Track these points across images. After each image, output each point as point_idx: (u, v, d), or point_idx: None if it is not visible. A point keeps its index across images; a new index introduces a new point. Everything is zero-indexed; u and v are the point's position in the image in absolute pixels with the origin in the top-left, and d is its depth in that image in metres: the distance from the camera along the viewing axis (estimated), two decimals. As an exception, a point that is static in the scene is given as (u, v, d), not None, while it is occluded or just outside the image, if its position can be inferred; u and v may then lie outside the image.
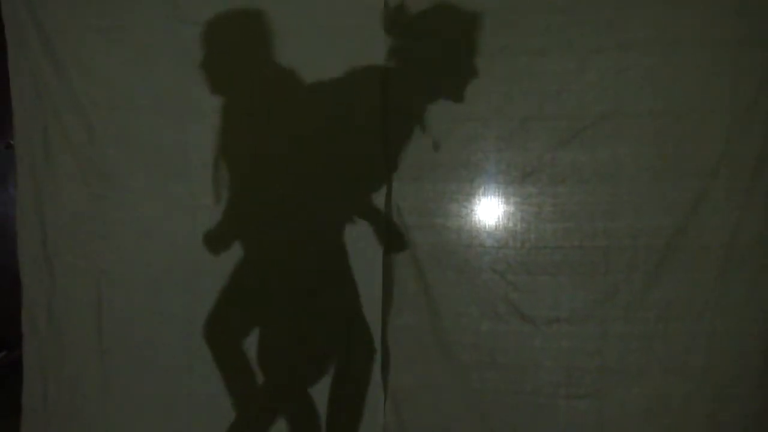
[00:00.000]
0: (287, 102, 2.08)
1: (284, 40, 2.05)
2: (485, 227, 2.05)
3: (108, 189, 2.17)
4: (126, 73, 2.12)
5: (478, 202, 2.05)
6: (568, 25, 1.94)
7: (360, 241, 2.07)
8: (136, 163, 2.15)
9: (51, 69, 2.14)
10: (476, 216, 2.05)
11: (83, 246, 2.21)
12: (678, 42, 1.90)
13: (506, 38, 1.97)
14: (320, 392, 2.12)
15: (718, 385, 1.97)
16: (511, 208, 2.03)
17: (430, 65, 2.02)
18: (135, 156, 2.15)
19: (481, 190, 2.04)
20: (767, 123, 1.89)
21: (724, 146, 1.91)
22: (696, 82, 1.90)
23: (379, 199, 2.05)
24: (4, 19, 2.15)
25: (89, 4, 2.12)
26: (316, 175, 2.08)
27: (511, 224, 2.04)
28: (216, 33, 2.07)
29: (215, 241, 2.11)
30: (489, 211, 2.04)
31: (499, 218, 2.04)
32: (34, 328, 2.26)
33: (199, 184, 2.12)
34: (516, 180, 2.02)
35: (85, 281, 2.21)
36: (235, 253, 2.12)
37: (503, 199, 2.04)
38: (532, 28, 1.96)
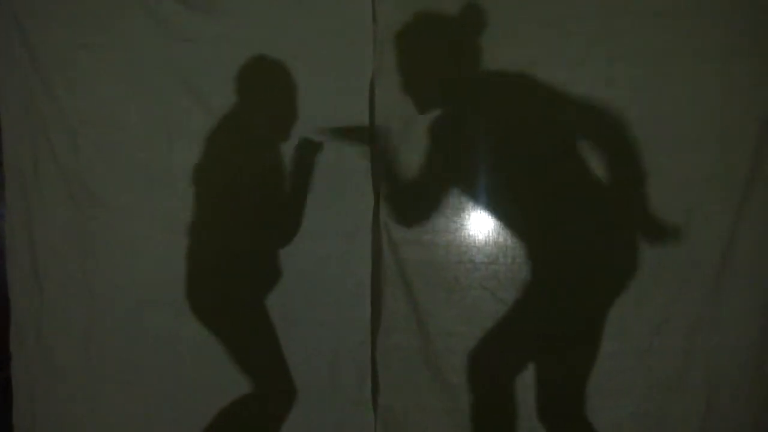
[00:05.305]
0: (275, 119, 2.07)
1: (273, 57, 2.04)
2: (475, 242, 2.01)
3: (96, 207, 2.14)
4: (114, 91, 2.12)
5: (467, 216, 2.01)
6: (556, 37, 1.93)
7: (347, 258, 2.05)
8: (123, 181, 2.13)
9: (40, 87, 2.13)
10: (465, 231, 2.02)
11: (72, 264, 2.19)
12: (667, 52, 1.88)
13: (495, 51, 1.95)
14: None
15: (715, 401, 1.93)
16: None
17: (418, 80, 2.00)
18: (123, 173, 2.13)
19: (470, 205, 2.01)
20: (759, 131, 1.87)
21: (717, 156, 1.88)
22: (686, 92, 1.89)
23: (366, 215, 2.03)
24: None
25: (78, 21, 2.11)
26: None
27: (501, 239, 2.00)
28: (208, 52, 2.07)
29: None
30: (478, 225, 2.01)
31: (488, 233, 2.01)
32: (23, 347, 2.24)
33: (186, 201, 2.11)
34: (506, 193, 1.99)
35: (74, 300, 2.19)
36: (222, 269, 2.11)
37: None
38: (521, 40, 1.95)
